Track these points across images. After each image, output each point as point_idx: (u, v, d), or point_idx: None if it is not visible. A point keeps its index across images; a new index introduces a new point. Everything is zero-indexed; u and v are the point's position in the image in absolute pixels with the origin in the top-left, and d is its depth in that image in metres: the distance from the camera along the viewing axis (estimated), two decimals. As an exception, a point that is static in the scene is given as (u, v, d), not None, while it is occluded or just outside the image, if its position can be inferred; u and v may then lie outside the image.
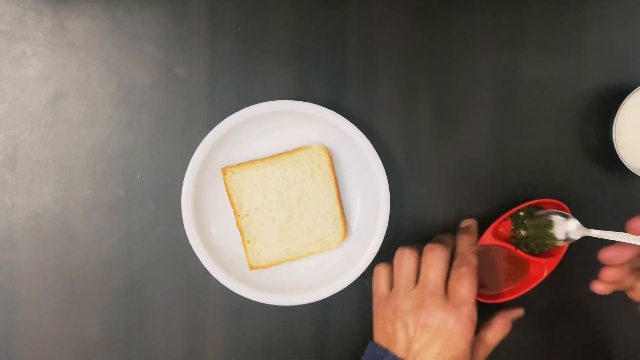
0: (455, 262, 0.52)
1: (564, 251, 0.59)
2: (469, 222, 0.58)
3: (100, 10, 0.59)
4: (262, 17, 0.60)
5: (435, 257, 0.51)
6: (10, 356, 0.60)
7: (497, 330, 0.53)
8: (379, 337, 0.52)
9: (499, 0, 0.60)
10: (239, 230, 0.59)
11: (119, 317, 0.60)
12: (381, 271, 0.55)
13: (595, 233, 0.50)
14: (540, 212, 0.58)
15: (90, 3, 0.59)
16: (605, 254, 0.45)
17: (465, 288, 0.50)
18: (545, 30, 0.61)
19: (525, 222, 0.60)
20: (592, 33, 0.61)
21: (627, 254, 0.43)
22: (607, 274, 0.46)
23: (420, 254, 0.53)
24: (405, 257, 0.53)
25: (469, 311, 0.49)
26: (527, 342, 0.62)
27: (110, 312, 0.60)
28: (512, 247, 0.61)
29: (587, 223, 0.62)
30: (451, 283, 0.51)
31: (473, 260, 0.53)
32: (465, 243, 0.55)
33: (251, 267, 0.60)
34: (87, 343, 0.61)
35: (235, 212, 0.59)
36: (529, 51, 0.61)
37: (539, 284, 0.60)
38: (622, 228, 0.62)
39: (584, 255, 0.59)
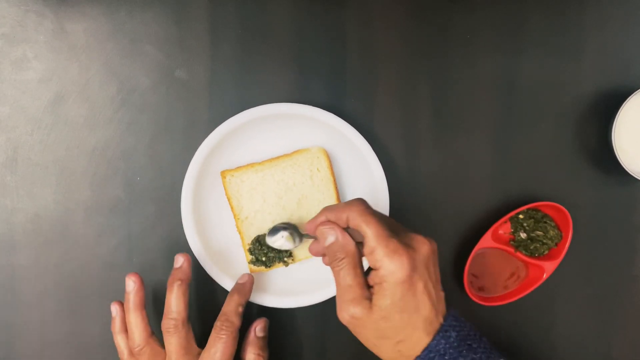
0: (217, 322, 0.55)
1: (563, 254, 0.59)
2: (245, 279, 0.58)
3: (100, 12, 0.59)
4: (262, 19, 0.60)
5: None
6: (10, 358, 0.61)
7: None
8: None
9: (499, 3, 0.61)
10: (239, 233, 0.59)
11: (119, 318, 0.60)
12: None
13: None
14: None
15: (91, 5, 0.59)
16: (310, 248, 0.53)
17: (218, 354, 0.53)
18: (545, 33, 0.61)
19: (524, 225, 0.61)
20: (591, 36, 0.61)
21: (321, 247, 0.51)
22: (324, 260, 0.53)
23: None
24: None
25: None
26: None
27: (110, 314, 0.60)
28: (512, 250, 0.61)
29: (586, 226, 0.62)
30: (207, 344, 0.54)
31: (236, 322, 0.55)
32: (232, 302, 0.56)
33: (251, 270, 0.60)
34: (87, 345, 0.61)
35: (235, 215, 0.59)
36: (528, 54, 0.61)
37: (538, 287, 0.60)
38: (620, 230, 0.62)
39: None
